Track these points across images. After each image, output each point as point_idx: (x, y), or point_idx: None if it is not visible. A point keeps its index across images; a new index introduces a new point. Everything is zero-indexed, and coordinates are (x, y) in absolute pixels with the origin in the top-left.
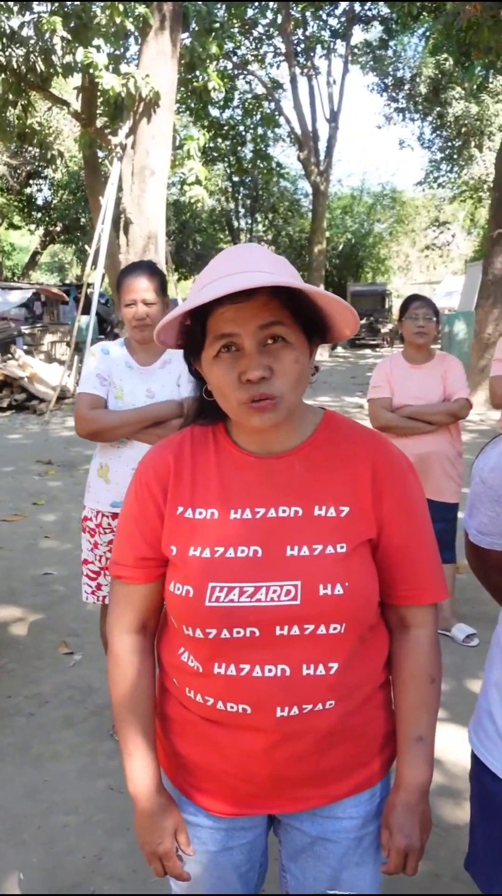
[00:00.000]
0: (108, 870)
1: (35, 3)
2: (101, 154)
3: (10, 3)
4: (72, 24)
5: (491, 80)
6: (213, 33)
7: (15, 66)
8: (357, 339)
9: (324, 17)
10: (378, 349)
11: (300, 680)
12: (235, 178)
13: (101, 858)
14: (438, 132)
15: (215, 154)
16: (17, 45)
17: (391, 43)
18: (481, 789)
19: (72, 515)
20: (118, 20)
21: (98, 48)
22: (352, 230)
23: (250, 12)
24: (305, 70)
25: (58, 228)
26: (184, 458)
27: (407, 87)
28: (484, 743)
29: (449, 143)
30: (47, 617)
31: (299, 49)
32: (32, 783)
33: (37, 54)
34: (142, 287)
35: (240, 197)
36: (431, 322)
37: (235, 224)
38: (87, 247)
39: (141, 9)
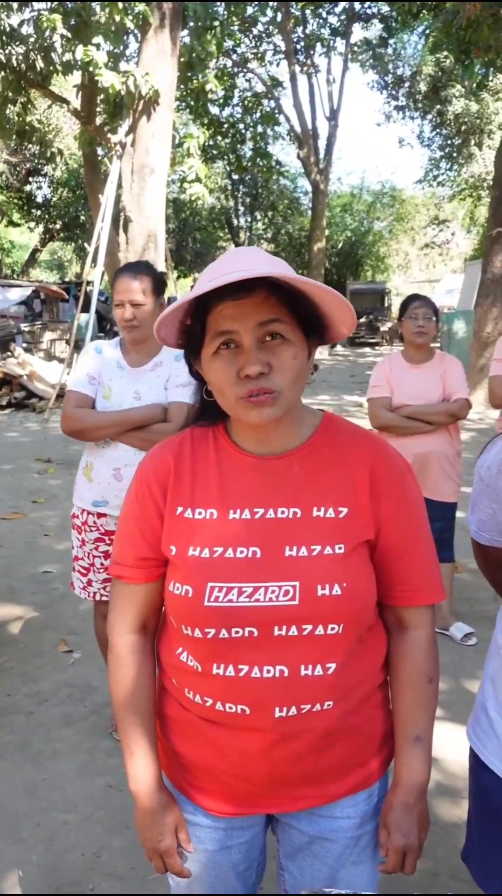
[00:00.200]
0: (107, 867)
1: (35, 0)
2: (100, 152)
3: (10, 1)
4: (72, 22)
5: (490, 78)
6: (212, 31)
7: (14, 64)
8: (356, 338)
9: (324, 15)
10: (377, 347)
11: (298, 680)
12: (235, 176)
13: (100, 856)
14: (438, 130)
15: (215, 152)
16: (17, 42)
17: (391, 41)
18: (476, 783)
19: (71, 514)
20: (118, 18)
21: (98, 46)
22: (352, 228)
23: (250, 10)
24: (305, 68)
25: (57, 226)
26: (184, 458)
27: (407, 84)
28: (480, 737)
29: (449, 142)
30: (46, 615)
31: (299, 47)
32: (32, 781)
33: (36, 52)
34: (129, 288)
35: (239, 195)
36: (431, 322)
37: (235, 222)
38: (86, 244)
39: (140, 6)
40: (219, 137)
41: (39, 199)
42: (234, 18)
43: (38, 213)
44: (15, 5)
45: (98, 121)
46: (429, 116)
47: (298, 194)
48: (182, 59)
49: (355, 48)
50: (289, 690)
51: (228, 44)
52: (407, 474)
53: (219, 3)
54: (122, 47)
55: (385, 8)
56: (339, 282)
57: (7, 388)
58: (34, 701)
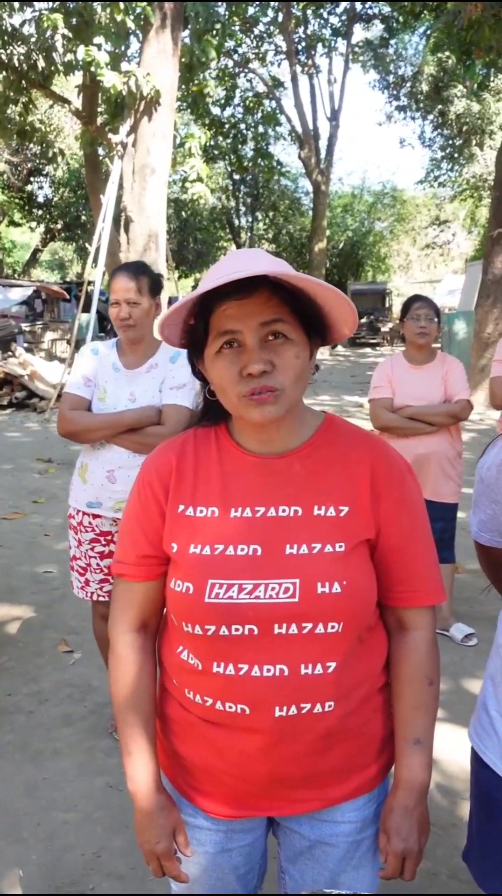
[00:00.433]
0: (106, 867)
1: (37, 1)
2: (101, 152)
3: (12, 1)
4: (73, 22)
5: (492, 78)
6: (213, 33)
7: (16, 64)
8: (357, 338)
9: (325, 15)
10: (378, 348)
11: (298, 679)
12: (236, 177)
13: (99, 856)
14: (439, 130)
15: (216, 152)
16: (19, 42)
17: (392, 41)
18: (477, 783)
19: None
20: (119, 18)
21: (99, 46)
22: (353, 229)
23: (251, 10)
24: (306, 68)
25: (58, 226)
26: (187, 457)
27: (408, 84)
28: (481, 736)
29: (450, 142)
30: (47, 615)
31: (300, 47)
32: (32, 780)
33: (38, 52)
34: (126, 287)
35: (240, 195)
36: (433, 322)
37: (236, 222)
38: (87, 244)
39: (142, 5)
40: (221, 137)
41: (41, 199)
42: (236, 18)
43: (40, 212)
44: (17, 5)
45: (99, 121)
46: (431, 117)
47: (299, 194)
48: (183, 61)
49: (356, 49)
50: (288, 690)
51: (229, 44)
52: (408, 475)
53: (220, 4)
54: (124, 47)
55: (386, 8)
56: (340, 282)
57: (8, 388)
58: (34, 700)
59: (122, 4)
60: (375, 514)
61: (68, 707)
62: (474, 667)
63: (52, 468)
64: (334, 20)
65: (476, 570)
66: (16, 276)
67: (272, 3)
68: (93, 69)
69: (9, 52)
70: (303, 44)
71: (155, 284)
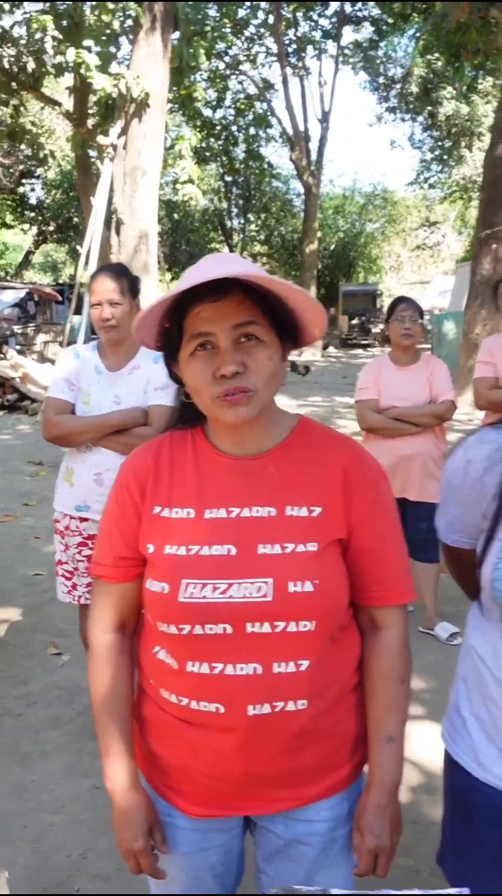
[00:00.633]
0: (92, 868)
1: (27, 2)
2: (92, 154)
3: (3, 3)
4: (63, 24)
5: (480, 80)
6: (202, 36)
7: (6, 66)
8: (348, 339)
9: (316, 17)
10: (369, 349)
11: (271, 678)
12: (227, 178)
13: (86, 857)
14: (429, 132)
15: (207, 154)
16: (9, 44)
17: (381, 44)
18: (451, 784)
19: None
20: (107, 19)
21: (89, 49)
22: (344, 230)
23: (241, 12)
24: (297, 70)
25: (51, 228)
26: (163, 459)
27: (398, 86)
28: (453, 737)
29: (440, 144)
30: (36, 618)
31: (290, 49)
32: (20, 782)
33: (28, 54)
34: (106, 288)
35: (232, 197)
36: (417, 324)
37: (228, 224)
38: (79, 246)
39: (132, 6)
40: (212, 139)
41: (33, 201)
42: (226, 21)
43: (32, 214)
44: (6, 6)
45: (90, 123)
46: (420, 118)
47: (291, 196)
48: (172, 64)
49: (346, 51)
50: (262, 688)
51: (220, 46)
52: (381, 478)
53: (210, 6)
54: (113, 49)
55: (375, 11)
56: (332, 283)
57: None
58: (23, 703)
59: (110, 5)
60: (347, 515)
61: (57, 709)
62: None
63: (44, 471)
64: (324, 22)
65: None
66: (8, 278)
67: (262, 5)
68: (83, 71)
69: None
70: (294, 46)
71: (133, 286)
